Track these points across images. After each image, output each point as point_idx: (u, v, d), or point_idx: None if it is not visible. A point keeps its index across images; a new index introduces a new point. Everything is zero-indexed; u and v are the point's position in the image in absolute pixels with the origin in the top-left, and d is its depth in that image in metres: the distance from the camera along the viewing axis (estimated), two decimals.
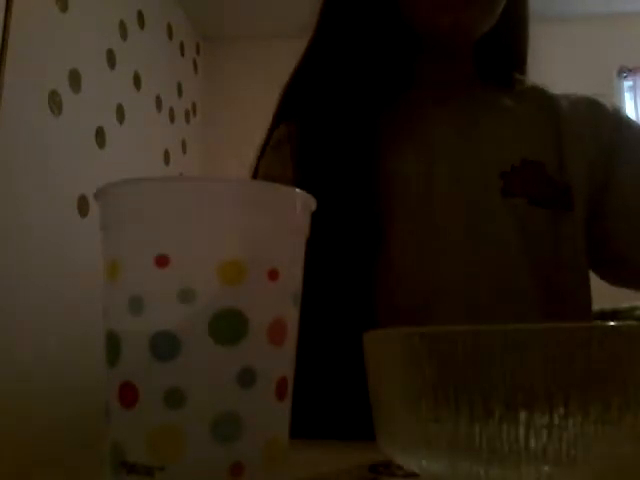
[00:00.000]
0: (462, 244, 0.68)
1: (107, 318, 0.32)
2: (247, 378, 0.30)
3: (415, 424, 0.30)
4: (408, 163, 0.71)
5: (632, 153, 0.75)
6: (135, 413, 0.30)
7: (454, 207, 0.69)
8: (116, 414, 0.31)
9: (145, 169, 2.31)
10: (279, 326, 0.32)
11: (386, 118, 0.72)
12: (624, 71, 2.85)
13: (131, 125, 2.26)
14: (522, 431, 0.27)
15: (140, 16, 2.39)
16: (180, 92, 2.77)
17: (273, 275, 0.31)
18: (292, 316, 0.33)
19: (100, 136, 2.04)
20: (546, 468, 0.27)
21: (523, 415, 0.27)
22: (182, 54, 2.83)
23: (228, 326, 0.30)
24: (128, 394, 0.30)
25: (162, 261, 0.30)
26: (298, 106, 0.77)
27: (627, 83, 2.87)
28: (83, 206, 1.88)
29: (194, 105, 2.93)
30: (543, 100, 0.77)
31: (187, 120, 2.84)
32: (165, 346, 0.29)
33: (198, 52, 3.03)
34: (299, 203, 0.34)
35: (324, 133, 0.72)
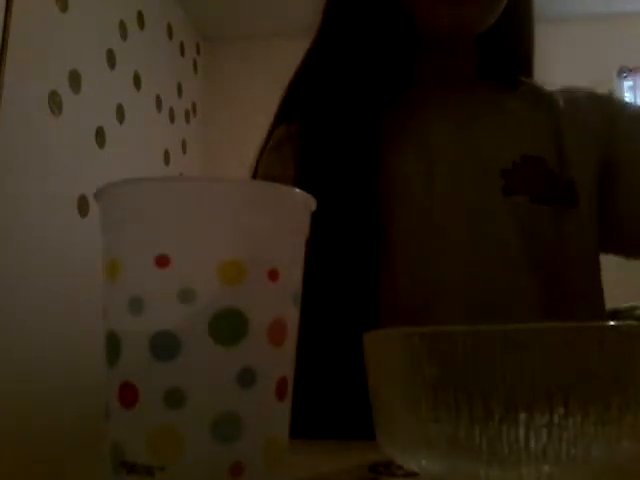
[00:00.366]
0: (462, 244, 0.68)
1: (107, 318, 0.32)
2: (247, 378, 0.30)
3: (415, 424, 0.30)
4: (408, 163, 0.71)
5: (636, 134, 0.74)
6: (135, 413, 0.30)
7: (454, 206, 0.69)
8: (116, 414, 0.31)
9: (145, 169, 2.31)
10: (279, 326, 0.32)
11: (386, 118, 0.72)
12: (624, 71, 2.85)
13: (131, 125, 2.26)
14: (522, 431, 0.27)
15: (140, 16, 2.39)
16: (180, 92, 2.77)
17: (273, 275, 0.31)
18: (292, 316, 0.33)
19: (100, 136, 2.04)
20: (546, 468, 0.27)
21: (523, 415, 0.27)
22: (182, 54, 2.83)
23: (228, 326, 0.30)
24: (128, 394, 0.30)
25: (162, 261, 0.30)
26: (300, 106, 0.77)
27: (627, 83, 2.88)
28: (83, 206, 1.88)
29: (194, 105, 2.93)
30: (541, 97, 0.77)
31: (187, 120, 2.84)
32: (165, 346, 0.29)
33: (198, 52, 3.03)
34: (299, 203, 0.34)
35: (325, 133, 0.72)
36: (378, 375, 0.33)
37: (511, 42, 0.78)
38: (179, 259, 0.30)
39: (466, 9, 0.68)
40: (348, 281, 0.66)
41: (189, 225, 0.31)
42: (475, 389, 0.28)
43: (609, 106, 0.78)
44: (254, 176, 0.77)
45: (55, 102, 1.79)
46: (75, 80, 1.90)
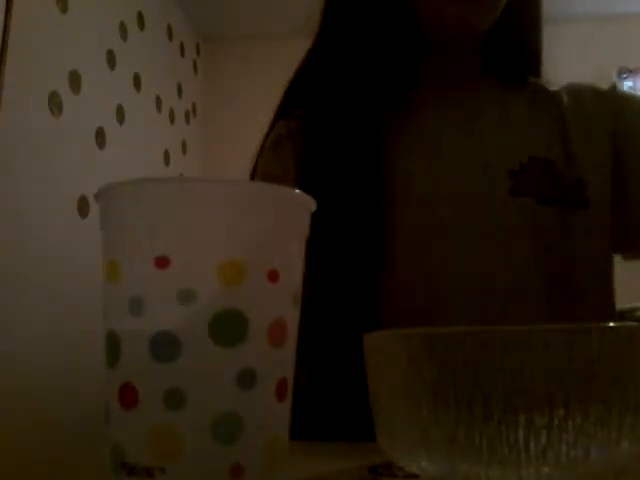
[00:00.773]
0: (466, 244, 0.68)
1: (107, 319, 0.32)
2: (247, 379, 0.30)
3: (415, 425, 0.30)
4: (410, 162, 0.71)
5: None
6: (135, 414, 0.30)
7: (457, 206, 0.69)
8: (116, 415, 0.31)
9: (145, 169, 2.31)
10: (279, 327, 0.32)
11: (389, 116, 0.72)
12: (624, 72, 2.84)
13: (131, 126, 2.25)
14: (522, 432, 0.27)
15: (140, 17, 2.39)
16: (180, 93, 2.77)
17: (273, 276, 0.31)
18: (292, 317, 0.33)
19: (100, 136, 2.04)
20: (546, 469, 0.27)
21: (523, 416, 0.27)
22: (182, 55, 2.83)
23: (228, 327, 0.30)
24: (128, 395, 0.30)
25: (162, 262, 0.30)
26: (301, 103, 0.77)
27: (627, 84, 2.87)
28: (83, 206, 1.88)
29: (194, 105, 2.93)
30: (546, 98, 0.77)
31: (187, 120, 2.84)
32: (165, 347, 0.29)
33: (198, 53, 3.03)
34: (299, 204, 0.34)
35: (326, 131, 0.72)
36: (378, 376, 0.33)
37: (518, 40, 0.77)
38: (179, 260, 0.30)
39: (470, 7, 0.68)
40: (349, 282, 0.66)
41: (189, 226, 0.31)
42: (475, 390, 0.28)
43: (614, 100, 0.77)
44: (253, 174, 0.76)
45: (55, 103, 1.79)
46: (75, 81, 1.90)
